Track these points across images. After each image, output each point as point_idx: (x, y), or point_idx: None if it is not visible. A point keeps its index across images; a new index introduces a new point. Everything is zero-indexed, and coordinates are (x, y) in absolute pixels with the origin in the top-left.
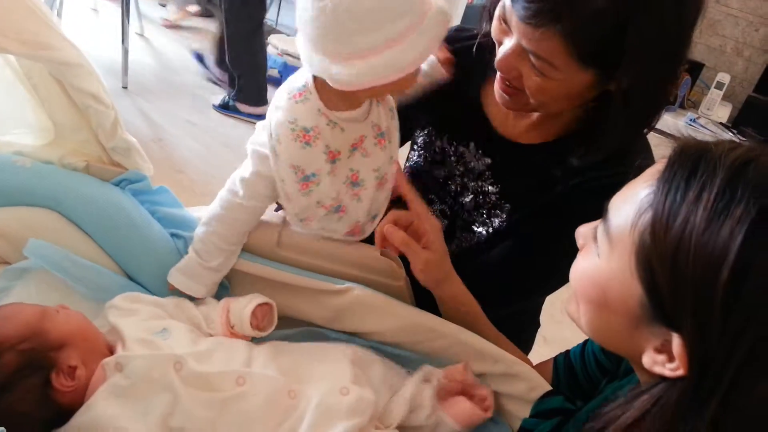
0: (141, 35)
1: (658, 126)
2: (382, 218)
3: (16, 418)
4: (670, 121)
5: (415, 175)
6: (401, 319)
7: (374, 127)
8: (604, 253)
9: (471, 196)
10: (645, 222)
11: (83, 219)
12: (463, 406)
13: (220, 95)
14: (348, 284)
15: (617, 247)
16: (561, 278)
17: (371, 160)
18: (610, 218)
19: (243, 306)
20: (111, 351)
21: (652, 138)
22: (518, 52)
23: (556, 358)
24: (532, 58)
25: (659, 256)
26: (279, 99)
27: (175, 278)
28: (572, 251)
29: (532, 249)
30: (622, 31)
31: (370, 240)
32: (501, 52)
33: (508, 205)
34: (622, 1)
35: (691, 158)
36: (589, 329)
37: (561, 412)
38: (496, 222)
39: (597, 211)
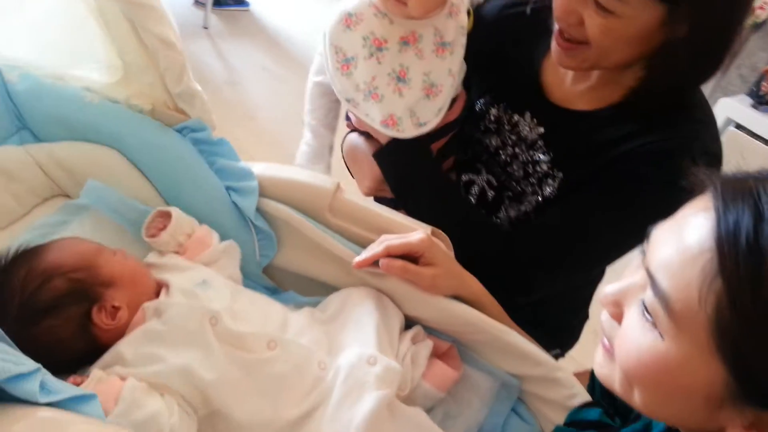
0: None
1: (750, 127)
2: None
3: (53, 343)
4: (765, 123)
5: (466, 143)
6: (440, 310)
7: (436, 32)
8: (669, 332)
9: (521, 165)
10: (717, 291)
11: (143, 161)
12: (436, 369)
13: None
14: None
15: (685, 325)
16: (608, 253)
17: (424, 62)
18: (661, 284)
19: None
20: (158, 294)
21: (744, 140)
22: None
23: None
24: None
25: (745, 329)
26: None
27: (310, 167)
28: (620, 224)
29: (578, 218)
30: None
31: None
32: None
33: (560, 173)
34: None
35: (745, 199)
36: (651, 413)
37: (598, 425)
38: (548, 190)
39: (647, 177)
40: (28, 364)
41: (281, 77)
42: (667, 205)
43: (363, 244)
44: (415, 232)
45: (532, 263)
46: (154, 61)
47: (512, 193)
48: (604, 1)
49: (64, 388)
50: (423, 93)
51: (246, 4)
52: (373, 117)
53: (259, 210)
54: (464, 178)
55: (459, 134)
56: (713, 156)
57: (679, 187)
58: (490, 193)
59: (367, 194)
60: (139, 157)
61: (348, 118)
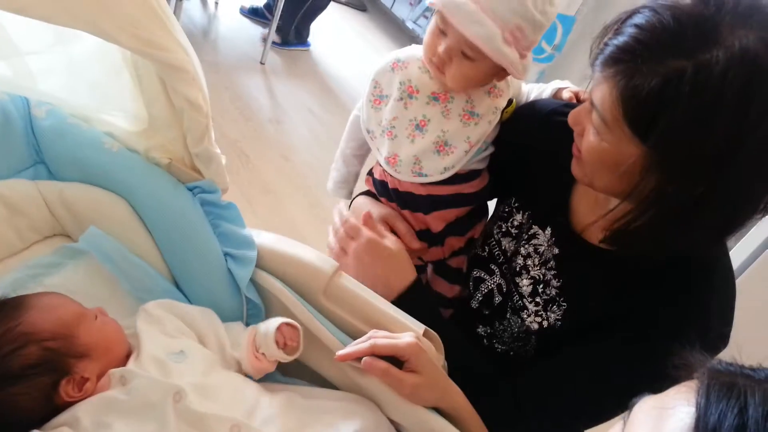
0: None
1: None
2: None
3: (11, 408)
4: None
5: (485, 239)
6: (418, 421)
7: (469, 101)
8: None
9: (531, 281)
10: None
11: (148, 215)
12: None
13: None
14: None
15: None
16: (611, 408)
17: (447, 121)
18: None
19: (269, 326)
20: (128, 357)
21: None
22: (588, 106)
23: None
24: (593, 111)
25: None
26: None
27: (335, 192)
28: (629, 384)
29: (586, 368)
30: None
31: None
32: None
33: (565, 304)
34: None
35: (730, 402)
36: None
37: None
38: (552, 317)
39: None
40: None
41: (325, 122)
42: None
43: (352, 334)
44: (405, 334)
45: (538, 413)
46: (178, 119)
47: (517, 306)
48: (595, 120)
49: None
50: (434, 147)
51: (307, 44)
52: (381, 152)
53: (253, 280)
54: (475, 273)
55: (473, 226)
56: (719, 337)
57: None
58: (497, 298)
59: None
60: (145, 210)
61: (370, 173)
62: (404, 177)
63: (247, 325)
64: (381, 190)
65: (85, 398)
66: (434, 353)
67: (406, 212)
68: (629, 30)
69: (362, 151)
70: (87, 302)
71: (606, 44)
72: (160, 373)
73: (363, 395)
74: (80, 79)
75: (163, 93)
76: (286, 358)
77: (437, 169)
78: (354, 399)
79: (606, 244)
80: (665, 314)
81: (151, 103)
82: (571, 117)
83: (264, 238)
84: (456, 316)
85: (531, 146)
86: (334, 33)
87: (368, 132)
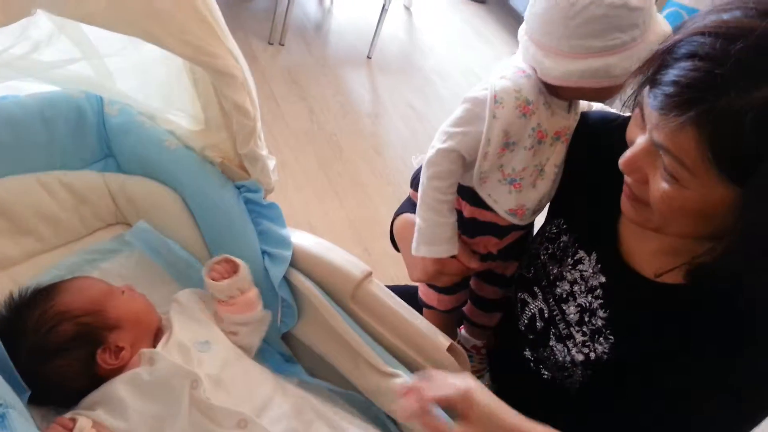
0: (408, 8)
1: None
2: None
3: (60, 379)
4: None
5: (530, 260)
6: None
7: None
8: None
9: (578, 309)
10: None
11: (197, 210)
12: None
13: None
14: (397, 370)
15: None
16: None
17: (559, 155)
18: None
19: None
20: (159, 337)
21: None
22: (648, 149)
23: None
24: (663, 156)
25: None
26: (504, 70)
27: (420, 251)
28: None
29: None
30: None
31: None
32: (629, 150)
33: (612, 338)
34: None
35: None
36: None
37: None
38: (599, 350)
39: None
40: None
41: (423, 118)
42: None
43: (379, 340)
44: (459, 378)
45: None
46: (228, 122)
47: (562, 334)
48: (671, 166)
49: (20, 429)
50: (552, 184)
51: None
52: (501, 203)
53: (287, 279)
54: (520, 295)
55: (528, 247)
56: None
57: None
58: (539, 324)
59: (417, 281)
60: (195, 205)
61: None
62: (526, 221)
63: (281, 323)
64: None
65: (123, 366)
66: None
67: (464, 237)
68: (692, 63)
69: (452, 195)
70: (136, 286)
71: (664, 83)
72: (183, 359)
73: (385, 406)
74: (149, 80)
75: (215, 96)
76: (228, 289)
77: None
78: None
79: (666, 278)
80: (746, 359)
81: (206, 106)
82: (627, 164)
83: (302, 238)
84: (504, 336)
85: (584, 160)
86: (447, 25)
87: (481, 179)
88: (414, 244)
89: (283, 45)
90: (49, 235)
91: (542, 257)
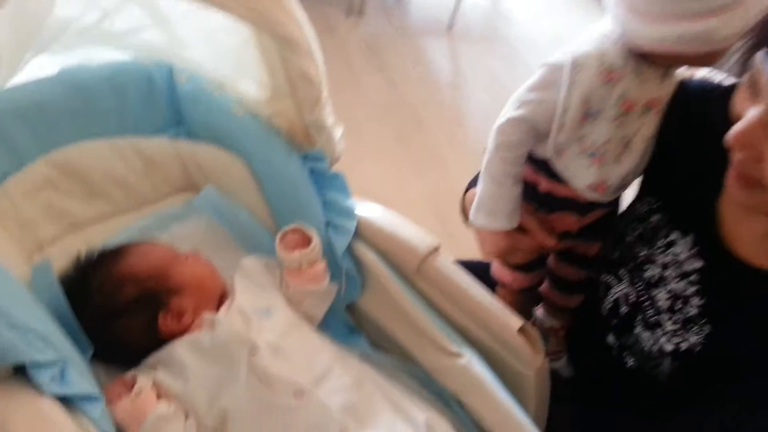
0: None
1: None
2: None
3: (124, 339)
4: None
5: (617, 240)
6: (496, 414)
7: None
8: None
9: (669, 296)
10: None
11: (263, 178)
12: None
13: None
14: (462, 349)
15: None
16: None
17: (650, 128)
18: None
19: None
20: (224, 303)
21: None
22: (763, 122)
23: None
24: None
25: None
26: (591, 34)
27: (478, 220)
28: None
29: None
30: None
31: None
32: (740, 123)
33: (707, 328)
34: None
35: None
36: None
37: None
38: (692, 340)
39: None
40: (49, 354)
41: (507, 88)
42: None
43: (444, 317)
44: None
45: None
46: (293, 90)
47: (650, 322)
48: None
49: (77, 384)
50: (640, 159)
51: None
52: (580, 177)
53: (351, 250)
54: (603, 278)
55: (613, 226)
56: None
57: None
58: (624, 309)
59: (487, 257)
60: (261, 173)
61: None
62: (607, 198)
63: (345, 294)
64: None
65: (185, 329)
66: (529, 354)
67: (540, 213)
68: None
69: (519, 167)
70: (203, 251)
71: None
72: (243, 325)
73: (448, 385)
74: (218, 47)
75: (281, 63)
76: (298, 260)
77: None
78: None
79: None
80: None
81: (273, 73)
82: (738, 140)
83: (368, 210)
84: (585, 319)
85: (679, 131)
86: None
87: (557, 151)
88: (472, 212)
89: (362, 15)
90: (121, 199)
91: (629, 238)
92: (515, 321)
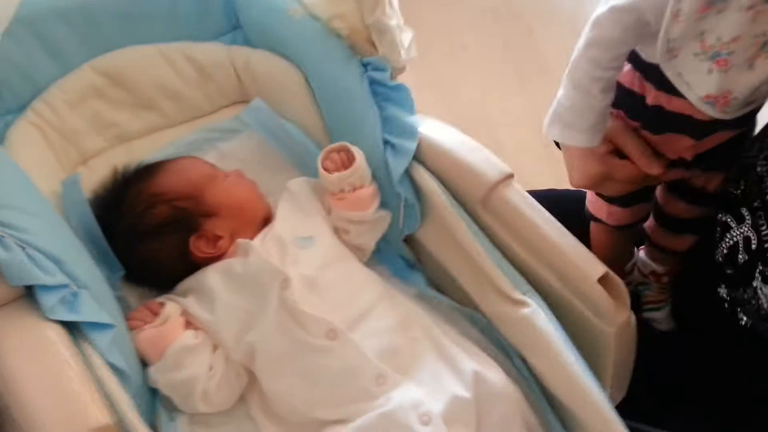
0: None
1: None
2: None
3: (154, 263)
4: None
5: (743, 172)
6: (560, 378)
7: None
8: None
9: None
10: None
11: (318, 89)
12: None
13: None
14: (528, 297)
15: None
16: None
17: None
18: None
19: None
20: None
21: None
22: None
23: None
24: None
25: None
26: None
27: (552, 132)
28: None
29: None
30: None
31: None
32: None
33: None
34: None
35: None
36: None
37: None
38: None
39: None
40: (59, 277)
41: None
42: None
43: (511, 258)
44: None
45: None
46: None
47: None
48: None
49: (86, 311)
50: None
51: None
52: (696, 86)
53: (410, 175)
54: (722, 217)
55: (740, 155)
56: None
57: None
58: (742, 257)
59: (577, 187)
60: (316, 83)
61: None
62: (731, 115)
63: (403, 224)
64: (623, 100)
65: (221, 255)
66: (610, 308)
67: (646, 133)
68: None
69: (612, 72)
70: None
71: None
72: (279, 254)
73: (509, 336)
74: None
75: None
76: (338, 183)
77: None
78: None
79: None
80: None
81: None
82: None
83: (432, 129)
84: (695, 266)
85: None
86: None
87: (669, 50)
88: (547, 120)
89: None
90: (172, 110)
91: (760, 169)
92: (596, 268)
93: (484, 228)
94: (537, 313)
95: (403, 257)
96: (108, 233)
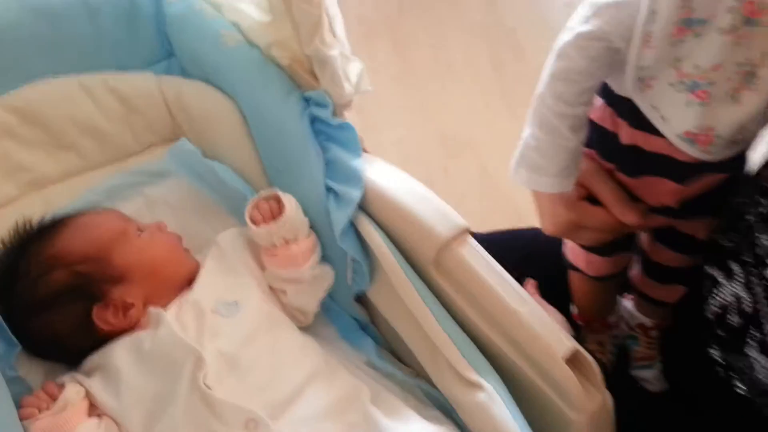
0: None
1: None
2: None
3: (54, 337)
4: None
5: (732, 221)
6: None
7: None
8: None
9: None
10: None
11: (254, 126)
12: None
13: None
14: (484, 378)
15: None
16: None
17: None
18: None
19: None
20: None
21: None
22: None
23: None
24: None
25: None
26: None
27: (519, 175)
28: None
29: None
30: None
31: None
32: None
33: None
34: None
35: None
36: None
37: None
38: None
39: None
40: None
41: None
42: None
43: (467, 329)
44: None
45: None
46: (288, 10)
47: (766, 344)
48: None
49: None
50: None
51: None
52: (673, 121)
53: (356, 227)
54: (709, 270)
55: (729, 201)
56: None
57: None
58: (734, 319)
59: (549, 234)
60: (252, 119)
61: None
62: (717, 156)
63: (352, 282)
64: (596, 140)
65: (134, 326)
66: (582, 393)
67: (622, 176)
68: None
69: (581, 107)
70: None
71: None
72: (195, 326)
73: (465, 419)
74: None
75: None
76: (267, 236)
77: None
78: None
79: None
80: None
81: None
82: None
83: (380, 174)
84: (685, 320)
85: None
86: None
87: (641, 79)
88: (513, 163)
89: None
90: (94, 150)
91: (750, 219)
92: (563, 343)
93: (437, 292)
94: (493, 399)
95: (356, 318)
96: (2, 302)
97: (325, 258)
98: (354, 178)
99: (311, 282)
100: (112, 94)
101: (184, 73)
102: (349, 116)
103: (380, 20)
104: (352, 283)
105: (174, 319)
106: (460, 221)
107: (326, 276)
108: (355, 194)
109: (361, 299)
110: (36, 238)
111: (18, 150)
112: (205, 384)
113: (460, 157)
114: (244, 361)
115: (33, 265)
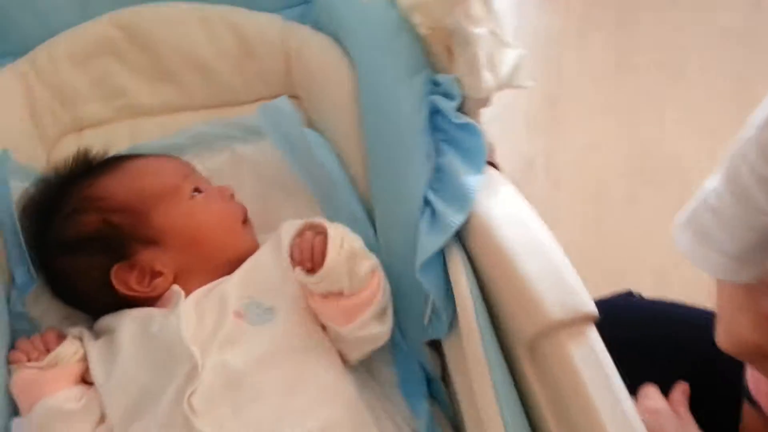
0: None
1: None
2: None
3: (68, 282)
4: None
5: None
6: None
7: None
8: None
9: None
10: None
11: (366, 98)
12: None
13: None
14: None
15: None
16: None
17: None
18: None
19: None
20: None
21: None
22: None
23: None
24: None
25: None
26: None
27: (683, 238)
28: None
29: None
30: None
31: None
32: None
33: None
34: None
35: None
36: None
37: None
38: None
39: None
40: None
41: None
42: None
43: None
44: None
45: None
46: None
47: None
48: None
49: None
50: None
51: None
52: None
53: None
54: None
55: None
56: None
57: None
58: None
59: (725, 351)
60: (366, 90)
61: None
62: None
63: (428, 325)
64: None
65: (156, 298)
66: None
67: None
68: None
69: None
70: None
71: None
72: (212, 323)
73: None
74: None
75: None
76: (312, 285)
77: None
78: None
79: None
80: None
81: None
82: None
83: (501, 204)
84: None
85: None
86: None
87: None
88: (681, 219)
89: None
90: (197, 88)
91: None
92: None
93: (522, 382)
94: None
95: (423, 366)
96: (32, 232)
97: (398, 282)
98: (462, 197)
99: (355, 342)
100: (230, 31)
101: (317, 24)
102: (538, 106)
103: (604, 5)
104: (428, 326)
105: (192, 308)
106: (585, 306)
107: (375, 340)
108: (456, 219)
109: (438, 346)
110: (84, 173)
111: (120, 71)
112: (189, 404)
113: (658, 184)
114: (248, 388)
115: (69, 202)
